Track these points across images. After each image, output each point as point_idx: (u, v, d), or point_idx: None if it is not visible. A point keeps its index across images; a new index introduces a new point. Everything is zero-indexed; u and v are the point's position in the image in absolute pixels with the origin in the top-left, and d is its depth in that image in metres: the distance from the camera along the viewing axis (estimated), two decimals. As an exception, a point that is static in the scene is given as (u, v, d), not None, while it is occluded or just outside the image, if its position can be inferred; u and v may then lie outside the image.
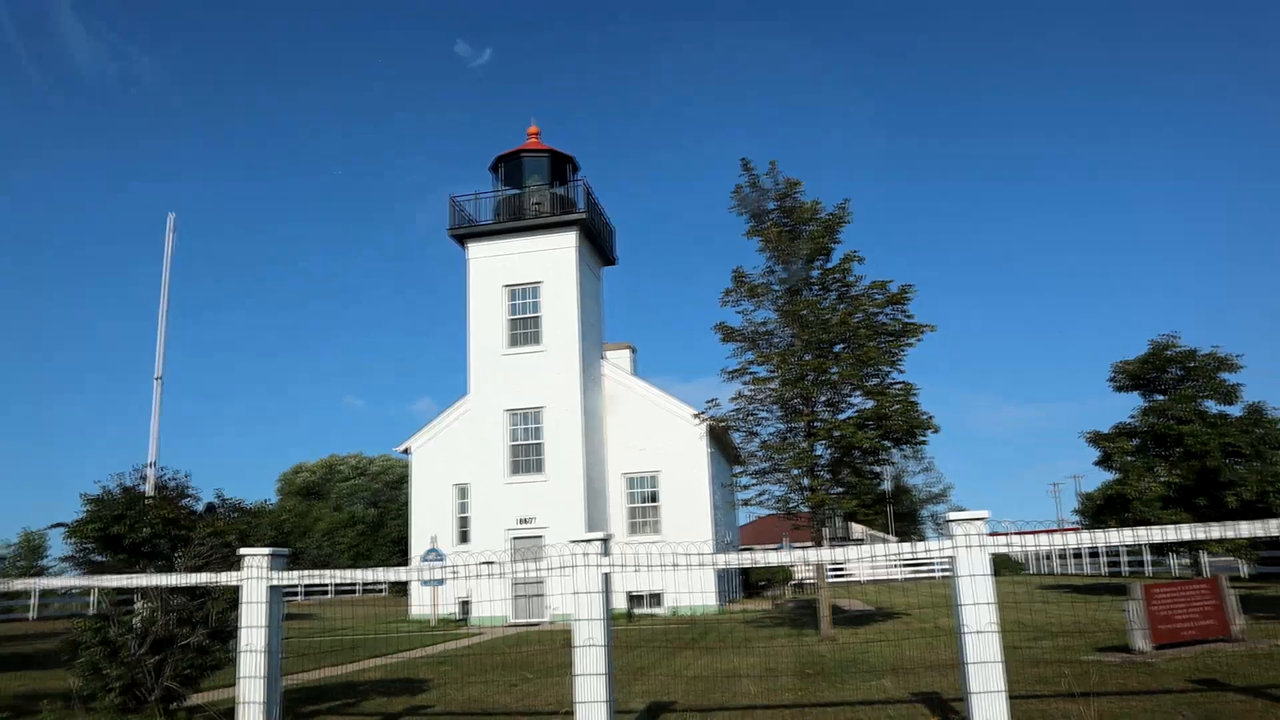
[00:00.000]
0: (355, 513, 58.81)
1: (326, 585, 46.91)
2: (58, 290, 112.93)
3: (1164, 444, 25.81)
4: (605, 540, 6.40)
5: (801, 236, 17.77)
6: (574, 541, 6.32)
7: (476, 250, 27.56)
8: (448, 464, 28.92)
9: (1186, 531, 5.74)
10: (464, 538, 27.90)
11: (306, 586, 45.54)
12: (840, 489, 17.51)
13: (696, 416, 22.21)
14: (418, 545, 28.46)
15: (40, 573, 41.13)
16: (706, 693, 9.61)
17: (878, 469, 18.10)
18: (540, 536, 25.17)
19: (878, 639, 15.45)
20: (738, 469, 20.36)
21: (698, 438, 27.56)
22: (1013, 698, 5.95)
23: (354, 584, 48.23)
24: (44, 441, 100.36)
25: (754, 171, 18.22)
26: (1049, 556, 47.69)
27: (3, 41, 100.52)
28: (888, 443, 17.09)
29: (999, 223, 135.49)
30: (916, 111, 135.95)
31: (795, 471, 17.27)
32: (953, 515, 5.92)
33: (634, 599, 26.58)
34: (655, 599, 26.73)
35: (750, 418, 18.04)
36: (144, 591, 8.35)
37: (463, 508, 28.45)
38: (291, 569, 7.19)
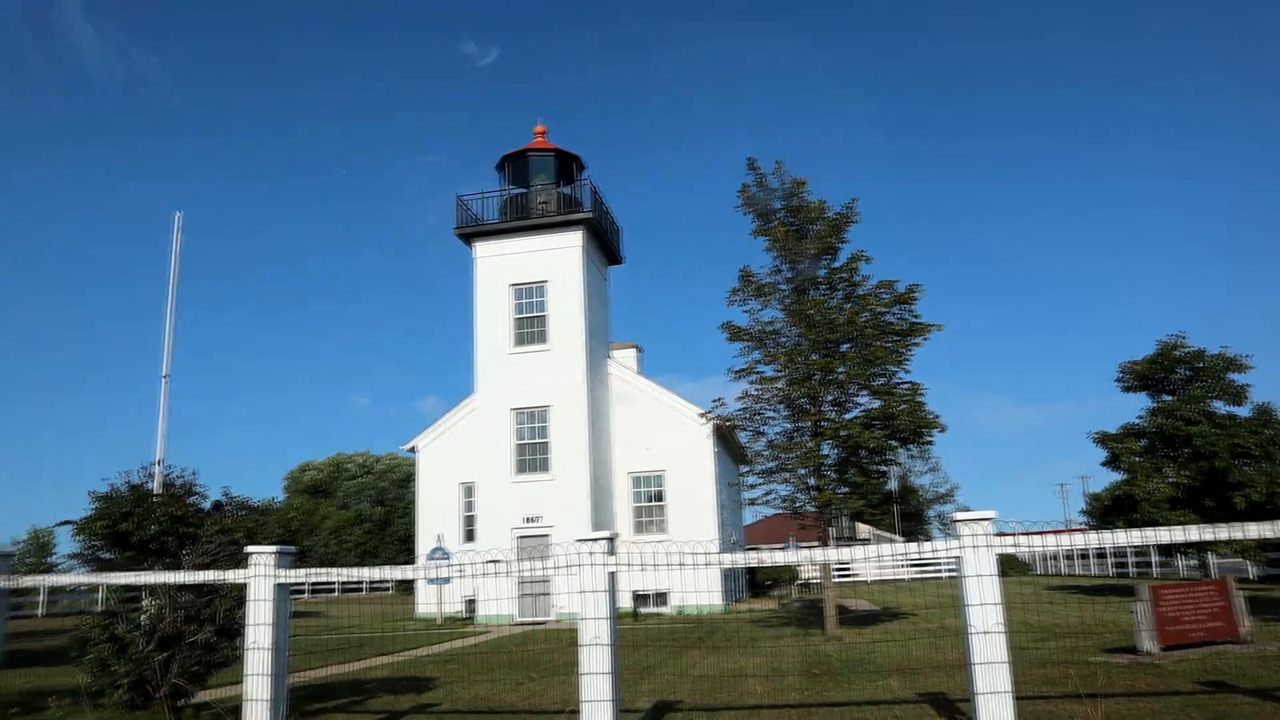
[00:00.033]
0: (361, 511, 58.88)
1: (333, 583, 47.00)
2: (58, 290, 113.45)
3: (1172, 445, 25.73)
4: (611, 539, 6.40)
5: (808, 236, 17.75)
6: (580, 540, 6.33)
7: (483, 249, 27.59)
8: (454, 463, 28.96)
9: (1194, 532, 5.72)
10: (470, 536, 27.94)
11: (313, 584, 45.64)
12: (846, 489, 17.49)
13: (703, 416, 22.19)
14: (424, 544, 28.51)
15: (49, 570, 41.32)
16: (713, 692, 9.60)
17: (884, 469, 18.06)
18: (546, 535, 25.19)
19: (884, 639, 15.42)
20: (744, 468, 20.36)
21: (704, 437, 27.55)
22: (1019, 698, 5.93)
23: (360, 582, 48.31)
24: (50, 439, 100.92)
25: (760, 171, 18.22)
26: (1056, 557, 47.56)
27: (7, 40, 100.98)
28: (894, 442, 17.07)
29: (999, 223, 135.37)
30: (917, 111, 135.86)
31: (801, 471, 17.26)
32: (959, 515, 5.91)
33: (640, 598, 26.58)
34: (661, 598, 26.73)
35: (757, 417, 18.03)
36: (151, 589, 8.37)
37: (469, 506, 28.48)
38: (298, 567, 7.21)
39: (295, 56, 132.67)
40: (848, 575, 47.88)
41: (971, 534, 5.82)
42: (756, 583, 39.05)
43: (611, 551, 6.35)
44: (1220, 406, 25.36)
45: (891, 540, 60.79)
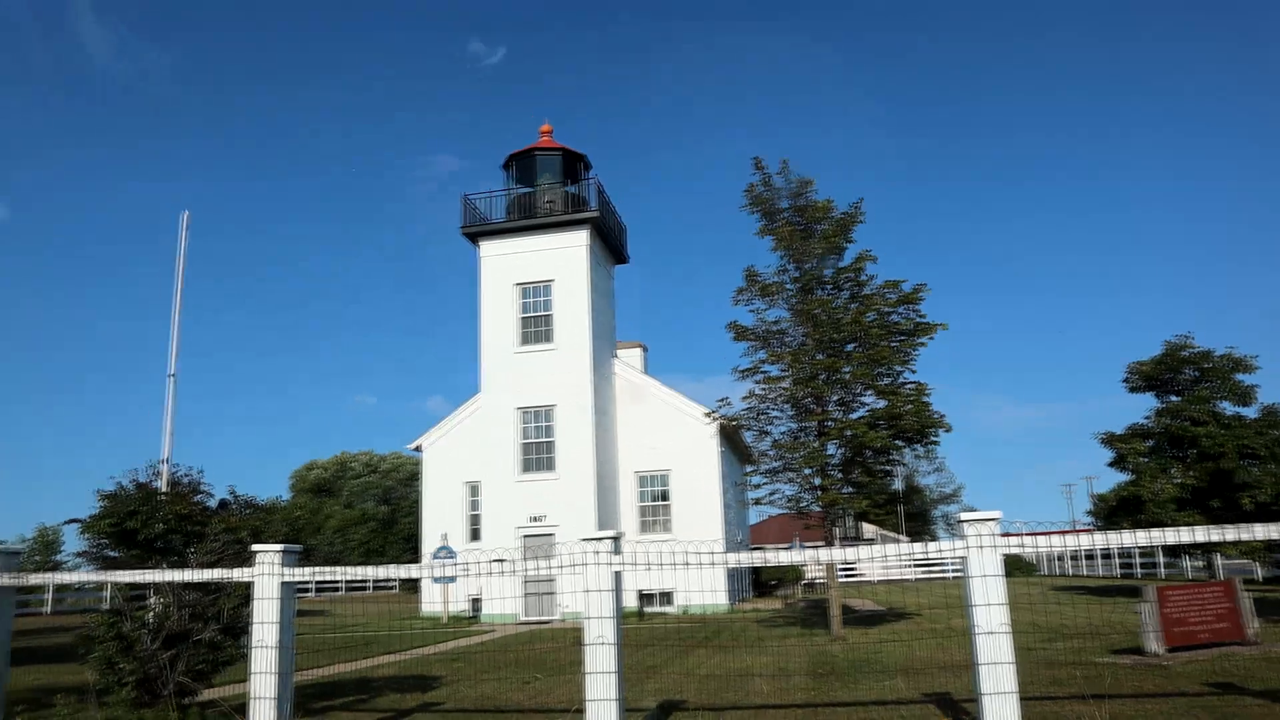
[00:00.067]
0: (367, 510, 59.00)
1: (338, 582, 47.10)
2: (58, 289, 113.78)
3: (1179, 445, 25.65)
4: (616, 539, 6.39)
5: (814, 235, 17.74)
6: (585, 540, 6.33)
7: (489, 248, 27.61)
8: (459, 462, 28.98)
9: (1201, 533, 5.70)
10: (475, 535, 27.96)
11: (318, 583, 45.73)
12: (851, 489, 17.47)
13: (708, 415, 22.22)
14: (429, 542, 28.55)
15: (55, 567, 41.45)
16: (719, 692, 9.60)
17: (889, 469, 18.04)
18: (551, 535, 25.21)
19: (889, 639, 15.40)
20: (749, 468, 20.34)
21: (709, 436, 27.55)
22: (1025, 699, 5.92)
23: (365, 581, 48.39)
24: (54, 438, 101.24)
25: (766, 170, 18.21)
26: (1062, 558, 47.45)
27: (8, 40, 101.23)
28: (899, 442, 17.04)
29: (999, 223, 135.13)
30: (917, 111, 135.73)
31: (807, 471, 17.24)
32: (965, 515, 5.89)
33: (645, 597, 26.59)
34: (666, 597, 26.74)
35: (762, 417, 18.02)
36: (158, 587, 8.39)
37: (474, 505, 28.51)
38: (303, 566, 7.22)
39: (295, 56, 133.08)
40: (853, 575, 47.83)
41: (977, 534, 5.80)
42: (762, 582, 39.03)
43: (617, 551, 6.34)
44: (1227, 407, 25.28)
45: (897, 540, 60.72)
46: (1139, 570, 39.27)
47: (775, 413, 17.91)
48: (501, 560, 6.85)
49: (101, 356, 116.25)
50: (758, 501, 18.38)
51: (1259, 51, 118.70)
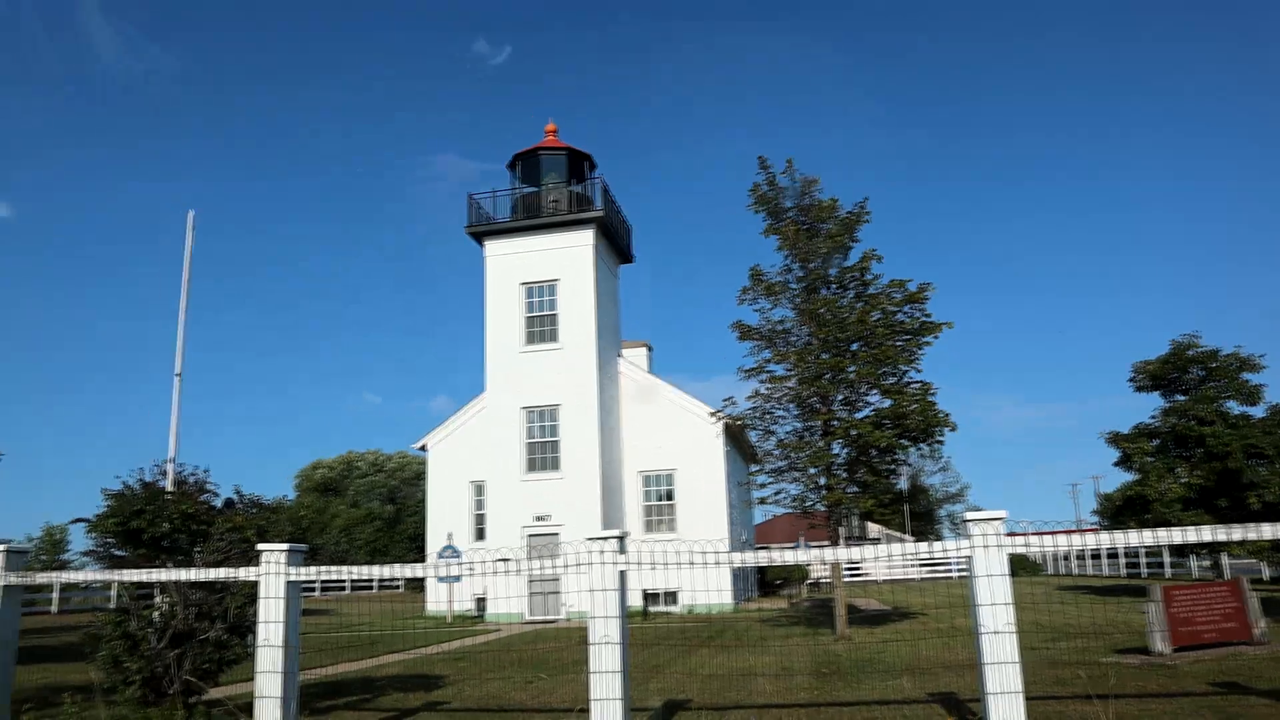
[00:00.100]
0: (372, 509, 59.09)
1: (343, 581, 47.18)
2: (62, 288, 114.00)
3: (1185, 445, 25.58)
4: (621, 538, 6.40)
5: (819, 235, 17.73)
6: (590, 539, 6.33)
7: (494, 248, 27.63)
8: (464, 461, 29.02)
9: (1207, 533, 5.68)
10: (480, 535, 27.99)
11: (323, 582, 45.82)
12: (857, 488, 17.45)
13: (713, 415, 22.20)
14: (434, 542, 28.59)
15: (62, 567, 41.57)
16: (722, 691, 9.60)
17: (894, 468, 18.03)
18: (556, 534, 25.22)
19: (894, 639, 15.39)
20: (754, 467, 20.33)
21: (714, 436, 27.54)
22: (1030, 699, 5.91)
23: (371, 580, 48.47)
24: (58, 438, 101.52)
25: (771, 170, 18.20)
26: (1067, 557, 47.36)
27: (13, 40, 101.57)
28: (905, 441, 17.02)
29: (999, 223, 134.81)
30: (917, 111, 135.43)
31: (812, 470, 17.23)
32: (970, 515, 5.89)
33: (649, 597, 26.59)
34: (671, 597, 26.74)
35: (767, 416, 18.01)
36: (164, 586, 8.42)
37: (479, 505, 28.54)
38: (309, 565, 7.24)
39: (295, 57, 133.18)
40: (858, 575, 47.78)
41: (982, 534, 5.79)
42: (766, 582, 39.02)
43: (622, 550, 6.35)
44: (1234, 406, 25.21)
45: (902, 540, 60.64)
46: (1145, 570, 39.17)
47: (780, 412, 17.90)
48: (506, 560, 6.86)
49: (104, 356, 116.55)
50: (763, 501, 18.39)
51: (1259, 51, 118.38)
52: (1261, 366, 24.94)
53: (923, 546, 6.30)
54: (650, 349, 32.46)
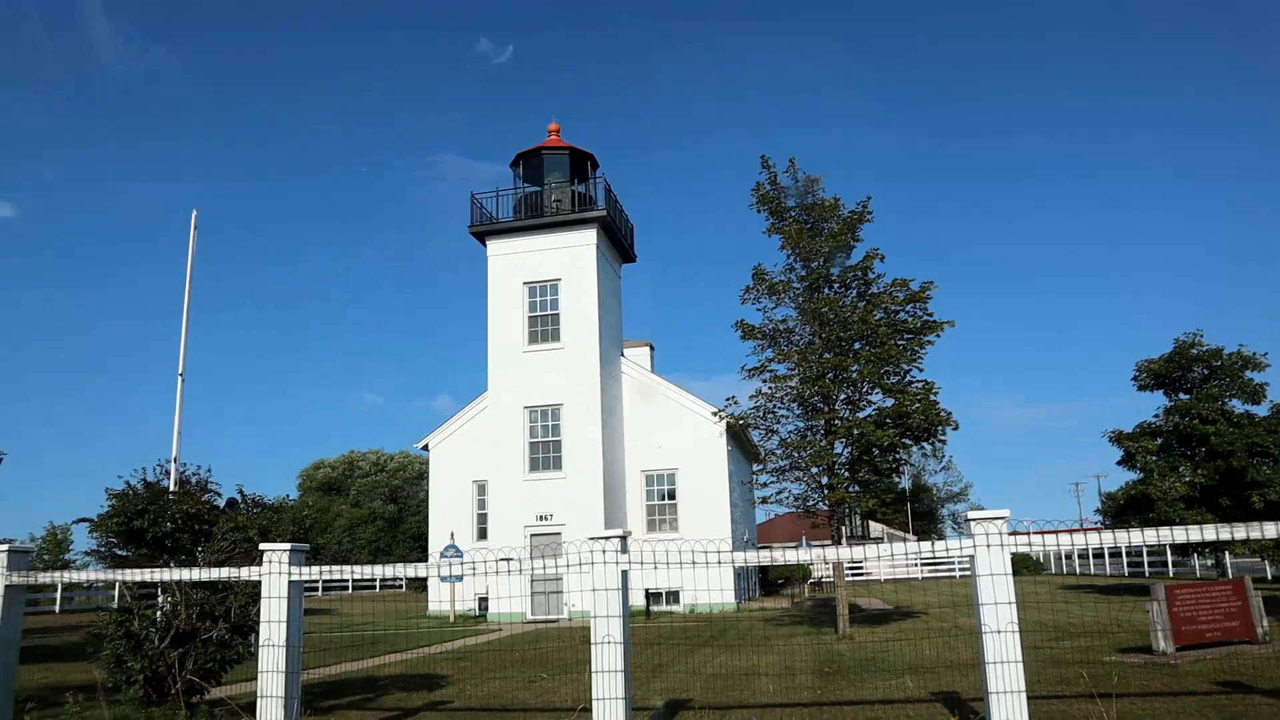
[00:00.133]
0: (374, 509, 59.13)
1: (345, 580, 47.21)
2: (63, 288, 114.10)
3: (1188, 444, 25.56)
4: (624, 537, 6.39)
5: (822, 234, 17.72)
6: (592, 539, 6.33)
7: (496, 248, 27.63)
8: (466, 461, 29.04)
9: (1210, 532, 5.67)
10: (482, 534, 28.01)
11: (325, 582, 45.84)
12: (859, 487, 17.45)
13: (715, 414, 22.20)
14: (436, 541, 28.59)
15: (65, 566, 41.63)
16: (725, 690, 9.60)
17: (897, 467, 18.03)
18: (558, 533, 25.22)
19: (897, 638, 15.38)
20: (757, 467, 20.33)
21: (716, 435, 27.53)
22: (1032, 698, 5.91)
23: (373, 579, 48.51)
24: (61, 437, 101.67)
25: (773, 169, 18.20)
26: (1070, 556, 47.34)
27: (15, 39, 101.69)
28: (907, 440, 17.01)
29: (1000, 222, 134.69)
30: (917, 111, 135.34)
31: (814, 469, 17.23)
32: (972, 514, 5.88)
33: (652, 596, 26.59)
34: (673, 596, 26.74)
35: (769, 415, 18.01)
36: (166, 585, 8.43)
37: (481, 504, 28.55)
38: (311, 564, 7.24)
39: (295, 57, 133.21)
40: (860, 574, 47.76)
41: (985, 533, 5.79)
42: (769, 581, 39.00)
43: (624, 550, 6.34)
44: (1237, 405, 25.19)
45: (904, 539, 60.60)
46: (1148, 569, 39.14)
47: (783, 411, 17.91)
48: (509, 559, 6.86)
49: (106, 356, 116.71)
50: (765, 500, 18.40)
51: (1259, 51, 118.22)
52: (1265, 365, 24.93)
53: (925, 546, 6.29)
54: (652, 348, 32.46)
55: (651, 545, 7.61)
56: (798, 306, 17.84)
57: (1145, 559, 39.92)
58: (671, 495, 28.03)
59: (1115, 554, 42.74)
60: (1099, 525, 38.94)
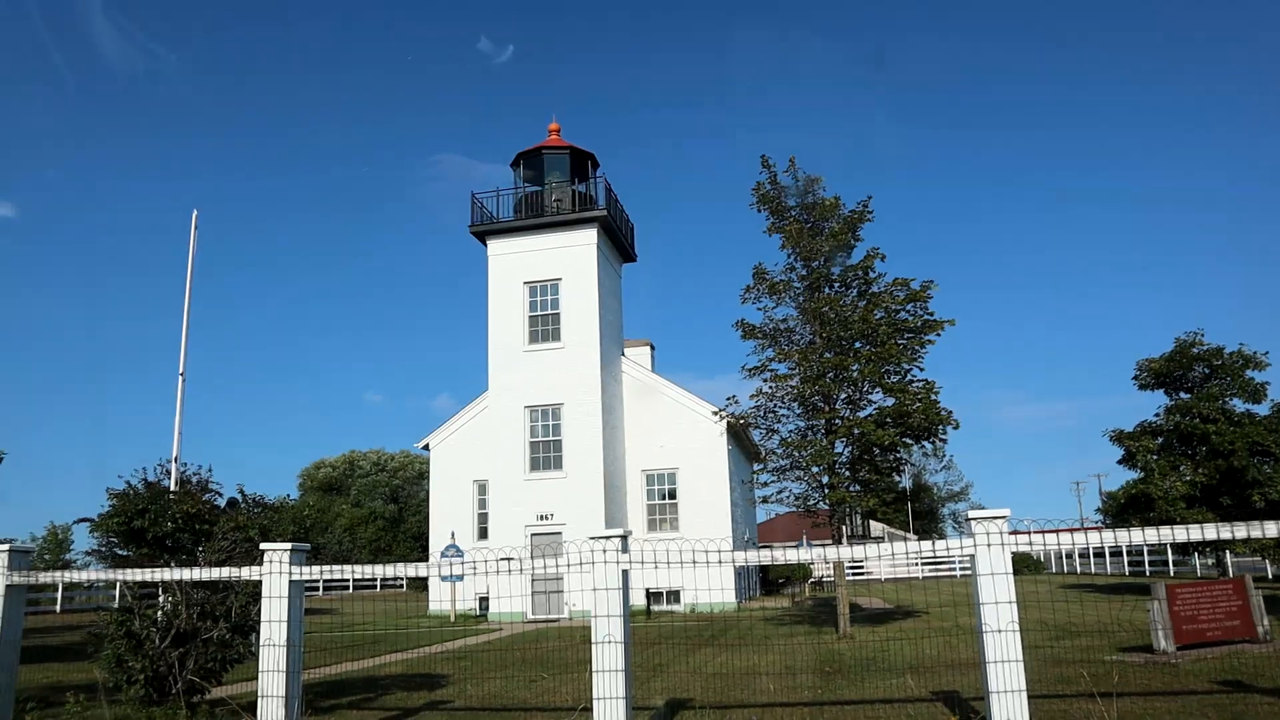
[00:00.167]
0: (375, 508, 59.15)
1: (346, 580, 47.22)
2: (64, 288, 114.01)
3: (1189, 443, 25.54)
4: (624, 537, 6.39)
5: (823, 233, 17.72)
6: (593, 538, 6.33)
7: (497, 247, 27.63)
8: (467, 460, 29.04)
9: (1211, 531, 5.67)
10: (483, 534, 28.02)
11: (326, 581, 45.86)
12: (860, 487, 17.45)
13: (716, 414, 22.20)
14: (437, 541, 28.60)
15: (66, 566, 41.66)
16: (725, 690, 9.60)
17: (897, 466, 18.03)
18: (559, 533, 25.23)
19: (897, 637, 15.38)
20: (757, 466, 20.33)
21: (717, 435, 27.53)
22: (1033, 697, 5.91)
23: (373, 579, 48.52)
24: (62, 436, 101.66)
25: (774, 168, 18.20)
26: (1071, 556, 47.33)
27: (16, 39, 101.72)
28: (908, 440, 17.02)
29: (1000, 222, 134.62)
30: (918, 111, 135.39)
31: (815, 469, 17.23)
32: (973, 513, 5.88)
33: (652, 596, 26.60)
34: (674, 596, 26.74)
35: (770, 415, 18.02)
36: (167, 585, 8.43)
37: (482, 504, 28.56)
38: (311, 564, 7.24)
39: (296, 56, 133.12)
40: (861, 573, 47.76)
41: (985, 532, 5.79)
42: (769, 581, 39.01)
43: (625, 549, 6.34)
44: (1238, 404, 25.17)
45: (905, 538, 60.60)
46: (1148, 568, 39.13)
47: (783, 411, 17.91)
48: (509, 559, 6.86)
49: (107, 355, 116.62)
50: (766, 500, 18.41)
51: (1263, 50, 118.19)
52: (1266, 364, 24.90)
53: (926, 545, 6.29)
54: (653, 348, 32.46)
55: (652, 545, 7.62)
56: (798, 306, 17.84)
57: (1146, 558, 39.91)
58: (672, 495, 28.03)
59: (1116, 553, 42.73)
60: (1099, 524, 38.97)
